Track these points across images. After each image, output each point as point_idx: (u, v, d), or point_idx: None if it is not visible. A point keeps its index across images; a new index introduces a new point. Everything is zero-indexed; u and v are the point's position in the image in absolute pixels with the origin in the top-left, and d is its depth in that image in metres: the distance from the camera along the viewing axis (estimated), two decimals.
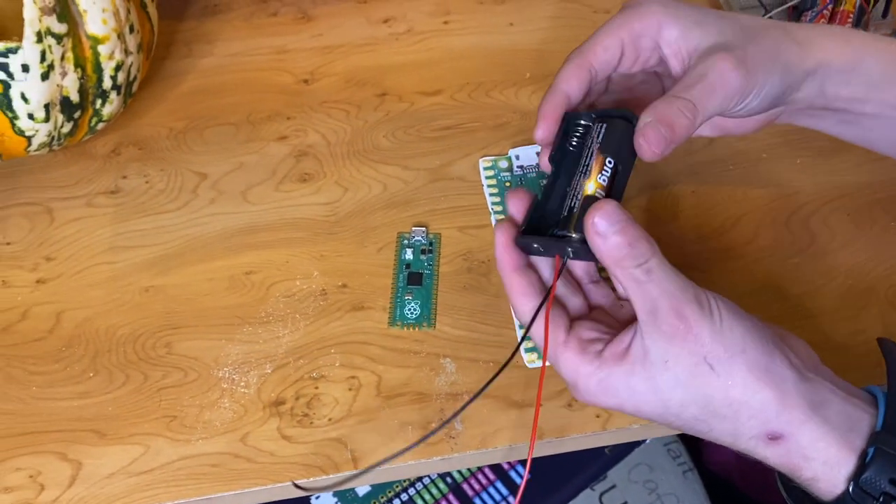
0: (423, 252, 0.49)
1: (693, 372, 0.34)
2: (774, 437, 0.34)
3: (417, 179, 0.53)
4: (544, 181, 0.41)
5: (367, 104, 0.57)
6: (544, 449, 0.43)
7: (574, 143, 0.40)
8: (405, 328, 0.46)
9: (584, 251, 0.36)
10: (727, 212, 0.51)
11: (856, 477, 0.34)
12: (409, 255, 0.49)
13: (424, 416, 0.43)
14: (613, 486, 0.71)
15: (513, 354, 0.38)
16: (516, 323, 0.46)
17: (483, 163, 0.53)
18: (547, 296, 0.37)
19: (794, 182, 0.52)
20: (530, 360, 0.44)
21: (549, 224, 0.38)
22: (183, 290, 0.48)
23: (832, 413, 0.35)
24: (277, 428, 0.43)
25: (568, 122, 0.40)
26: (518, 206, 0.39)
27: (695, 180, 0.52)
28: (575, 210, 0.37)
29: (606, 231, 0.34)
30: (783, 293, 0.47)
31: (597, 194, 0.37)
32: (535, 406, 0.36)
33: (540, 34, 0.60)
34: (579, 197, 0.38)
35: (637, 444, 0.71)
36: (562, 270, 0.38)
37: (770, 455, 0.35)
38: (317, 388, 0.44)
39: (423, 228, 0.50)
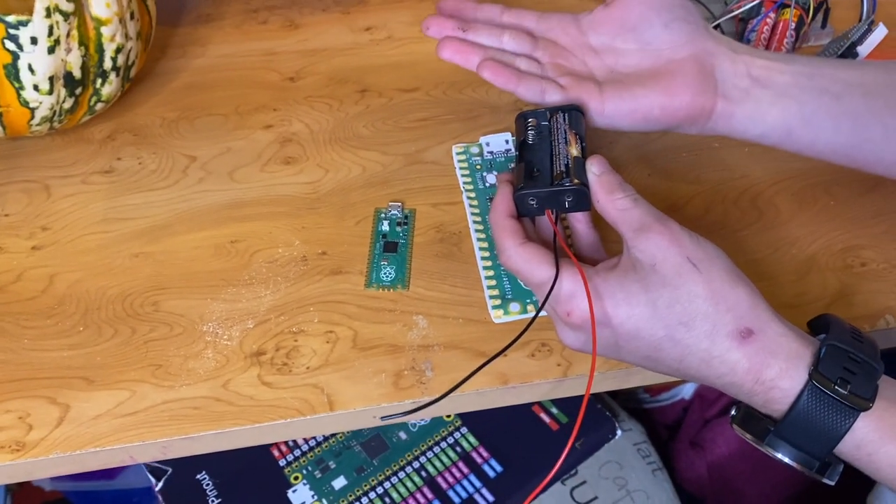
0: (398, 224, 0.53)
1: (678, 270, 0.39)
2: (746, 334, 0.38)
3: (394, 163, 0.56)
4: (512, 165, 0.48)
5: (348, 99, 0.61)
6: (509, 395, 0.45)
7: (533, 135, 0.47)
8: (381, 289, 0.49)
9: (579, 198, 0.43)
10: (680, 192, 0.55)
11: (815, 365, 0.38)
12: (385, 226, 0.52)
13: (397, 364, 0.45)
14: (584, 482, 0.72)
15: (542, 304, 0.41)
16: (484, 284, 0.49)
17: (456, 148, 0.57)
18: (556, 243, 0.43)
19: (743, 167, 0.56)
20: (497, 315, 0.47)
21: (544, 182, 0.44)
22: (170, 256, 0.51)
23: (787, 323, 0.39)
24: (258, 375, 0.45)
25: (522, 122, 0.48)
26: (508, 177, 0.45)
27: (649, 165, 0.56)
28: (570, 166, 0.44)
29: (604, 170, 0.43)
30: (732, 260, 0.50)
31: (578, 156, 0.44)
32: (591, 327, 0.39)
33: None
34: (569, 157, 0.44)
35: (606, 440, 0.73)
36: (557, 219, 0.44)
37: (741, 357, 0.38)
38: (296, 340, 0.47)
39: (399, 204, 0.53)
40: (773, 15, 0.61)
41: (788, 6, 0.60)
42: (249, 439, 0.44)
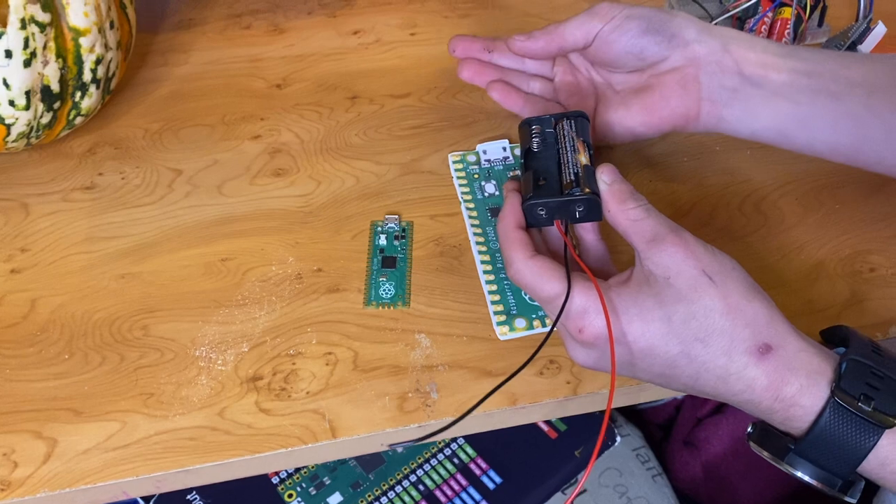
0: (396, 238, 0.51)
1: (693, 284, 0.37)
2: (765, 350, 0.37)
3: (389, 173, 0.55)
4: (516, 171, 0.48)
5: (338, 106, 0.59)
6: (518, 415, 0.44)
7: (538, 142, 0.46)
8: (380, 307, 0.47)
9: (590, 208, 0.41)
10: (683, 198, 0.53)
11: (837, 381, 0.36)
12: (382, 240, 0.50)
13: (401, 387, 0.44)
14: (584, 491, 0.71)
15: (556, 319, 0.40)
16: (488, 299, 0.47)
17: (452, 157, 0.55)
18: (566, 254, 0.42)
19: (746, 171, 0.55)
20: (502, 332, 0.46)
21: (553, 191, 0.42)
22: (158, 276, 0.49)
23: (806, 337, 0.38)
24: (255, 402, 0.43)
25: (526, 129, 0.46)
26: (515, 187, 0.44)
27: (651, 171, 0.55)
28: (580, 175, 0.42)
29: (615, 179, 0.41)
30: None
31: (588, 164, 0.43)
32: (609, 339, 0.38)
33: None
34: (578, 166, 0.43)
35: (606, 447, 0.72)
36: (567, 230, 0.42)
37: (759, 373, 0.37)
38: (294, 363, 0.45)
39: (396, 216, 0.52)
40: (770, 14, 0.60)
41: (787, 5, 0.58)
42: (249, 470, 0.42)
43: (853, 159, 0.47)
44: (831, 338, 0.43)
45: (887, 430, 0.36)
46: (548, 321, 0.46)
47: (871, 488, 0.63)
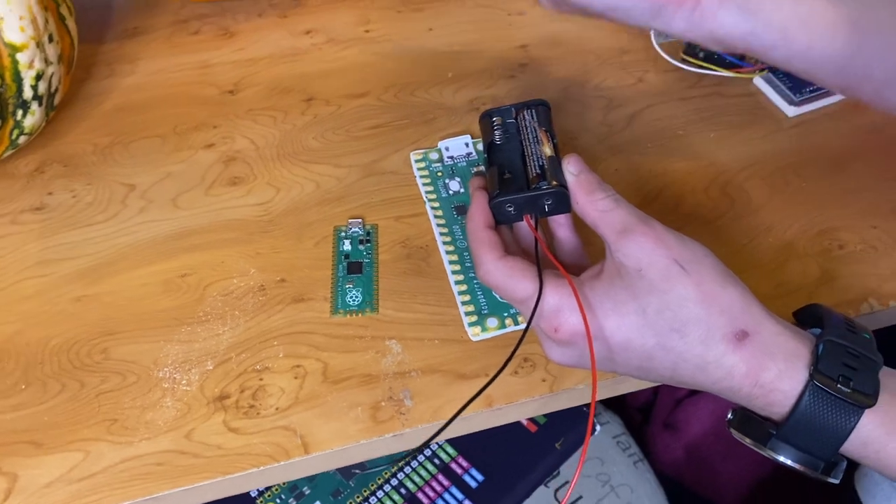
0: (360, 242, 0.49)
1: (666, 274, 0.37)
2: (741, 336, 0.36)
3: (350, 176, 0.53)
4: (479, 167, 0.48)
5: (293, 109, 0.57)
6: (494, 417, 0.43)
7: (500, 135, 0.45)
8: (348, 315, 0.46)
9: (558, 200, 0.40)
10: (649, 185, 0.53)
11: (815, 364, 0.36)
12: (347, 246, 0.49)
13: (373, 396, 0.43)
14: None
15: (530, 319, 0.38)
16: (458, 300, 0.46)
17: (414, 156, 0.54)
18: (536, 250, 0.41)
19: (710, 154, 0.55)
20: (474, 333, 0.45)
21: (519, 186, 0.41)
22: (117, 296, 0.47)
23: (781, 321, 0.38)
24: (223, 421, 0.42)
25: (487, 122, 0.45)
26: (481, 184, 0.43)
27: (616, 159, 0.54)
28: (545, 167, 0.41)
29: (581, 169, 0.41)
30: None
31: (553, 155, 0.42)
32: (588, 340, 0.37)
33: (459, 37, 0.62)
34: (542, 158, 0.42)
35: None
36: (537, 224, 0.41)
37: (737, 360, 0.36)
38: (261, 379, 0.43)
39: (360, 220, 0.50)
40: None
41: None
42: (221, 492, 0.41)
43: (844, 74, 0.43)
44: (805, 318, 0.42)
45: (867, 410, 0.36)
46: (520, 319, 0.45)
47: (851, 467, 0.64)
